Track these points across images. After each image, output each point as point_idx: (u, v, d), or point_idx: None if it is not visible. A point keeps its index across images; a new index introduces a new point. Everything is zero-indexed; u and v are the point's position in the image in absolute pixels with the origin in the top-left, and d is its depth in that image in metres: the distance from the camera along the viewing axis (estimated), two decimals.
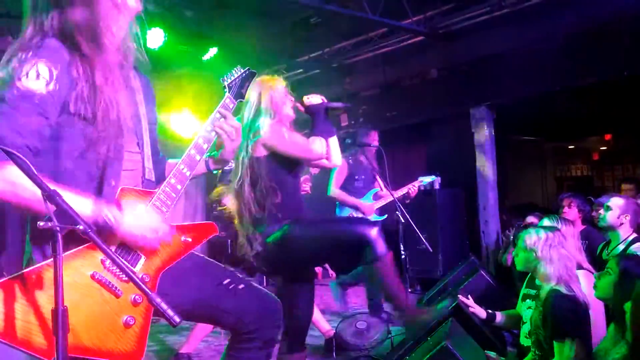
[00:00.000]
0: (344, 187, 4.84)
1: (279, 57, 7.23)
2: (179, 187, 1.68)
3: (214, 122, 1.79)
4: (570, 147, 11.05)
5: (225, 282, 1.81)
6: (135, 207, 1.57)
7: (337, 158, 2.86)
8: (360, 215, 4.77)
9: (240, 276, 1.91)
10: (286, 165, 2.74)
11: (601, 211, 3.69)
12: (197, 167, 1.75)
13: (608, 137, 10.08)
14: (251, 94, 2.76)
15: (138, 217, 1.54)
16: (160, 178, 1.75)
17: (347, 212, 4.86)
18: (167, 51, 5.92)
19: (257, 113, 2.74)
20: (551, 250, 2.72)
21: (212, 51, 6.62)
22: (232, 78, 1.92)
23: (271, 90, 2.78)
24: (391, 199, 4.71)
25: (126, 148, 1.62)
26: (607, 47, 5.56)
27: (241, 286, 1.83)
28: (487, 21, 6.12)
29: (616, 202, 3.64)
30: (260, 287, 1.98)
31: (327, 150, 2.79)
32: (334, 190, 4.82)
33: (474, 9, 6.17)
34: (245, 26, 6.48)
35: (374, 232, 2.55)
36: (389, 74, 7.50)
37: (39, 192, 1.28)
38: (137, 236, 1.53)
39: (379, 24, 6.56)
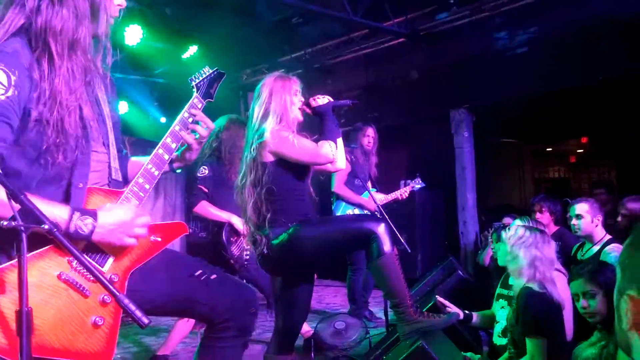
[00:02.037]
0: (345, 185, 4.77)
1: (260, 57, 7.21)
2: (147, 186, 1.66)
3: (184, 121, 1.79)
4: (548, 149, 11.20)
5: (197, 273, 1.80)
6: (107, 208, 1.53)
7: (342, 161, 2.77)
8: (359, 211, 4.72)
9: (212, 267, 1.91)
10: (294, 170, 2.67)
11: (574, 221, 3.75)
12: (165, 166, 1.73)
13: (585, 140, 10.24)
14: (262, 92, 2.70)
15: (112, 218, 1.50)
16: (125, 176, 1.73)
17: (344, 209, 4.77)
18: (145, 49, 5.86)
19: (265, 114, 2.66)
20: (522, 249, 2.73)
21: (192, 49, 6.58)
22: (201, 78, 1.92)
23: (282, 91, 2.68)
24: (383, 199, 4.73)
25: (92, 148, 1.60)
26: (584, 51, 5.65)
27: (213, 276, 1.82)
28: (468, 24, 6.19)
29: (583, 208, 3.72)
30: (234, 276, 1.97)
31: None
32: (341, 186, 4.73)
33: (455, 11, 6.23)
34: (226, 25, 6.45)
35: (381, 228, 2.52)
36: (371, 75, 7.53)
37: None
38: (112, 240, 1.50)
39: (361, 25, 6.58)
